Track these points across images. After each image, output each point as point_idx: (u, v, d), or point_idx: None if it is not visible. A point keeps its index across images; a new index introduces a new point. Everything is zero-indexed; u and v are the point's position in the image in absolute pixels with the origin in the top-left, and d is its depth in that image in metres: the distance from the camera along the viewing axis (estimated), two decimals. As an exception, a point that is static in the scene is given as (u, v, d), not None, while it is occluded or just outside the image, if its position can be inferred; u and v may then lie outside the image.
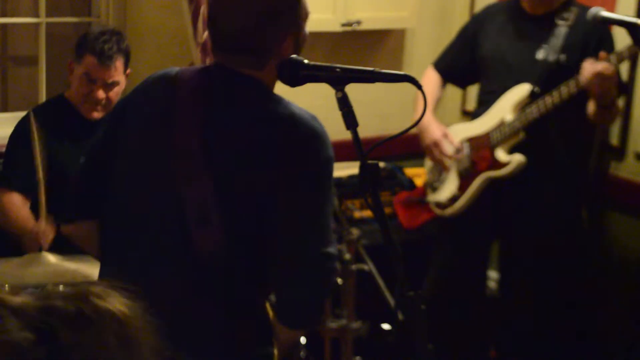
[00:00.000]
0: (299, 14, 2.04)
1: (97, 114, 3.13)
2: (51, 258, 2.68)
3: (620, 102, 3.43)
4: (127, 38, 3.21)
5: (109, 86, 3.10)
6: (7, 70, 4.39)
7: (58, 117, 3.15)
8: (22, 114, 3.26)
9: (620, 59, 3.04)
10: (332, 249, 2.02)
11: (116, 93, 3.14)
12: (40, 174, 2.81)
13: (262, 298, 2.15)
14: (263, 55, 2.00)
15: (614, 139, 3.74)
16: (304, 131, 1.98)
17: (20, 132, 3.14)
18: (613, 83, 3.07)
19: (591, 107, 3.21)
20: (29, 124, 3.09)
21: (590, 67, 3.03)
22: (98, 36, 3.09)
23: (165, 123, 2.03)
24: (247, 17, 1.98)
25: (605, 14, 2.91)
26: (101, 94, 3.08)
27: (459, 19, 4.50)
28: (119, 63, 3.10)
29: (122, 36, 3.16)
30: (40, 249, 2.76)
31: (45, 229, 2.85)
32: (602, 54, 3.04)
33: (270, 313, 2.16)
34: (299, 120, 1.98)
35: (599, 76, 3.00)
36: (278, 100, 2.02)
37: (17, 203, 3.05)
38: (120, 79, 3.13)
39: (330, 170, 2.02)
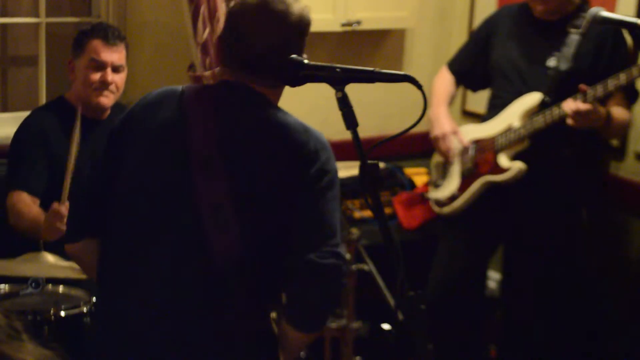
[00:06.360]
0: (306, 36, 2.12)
1: (105, 100, 3.11)
2: (49, 257, 2.68)
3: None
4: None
5: (116, 69, 3.10)
6: (7, 70, 4.38)
7: (60, 119, 3.14)
8: (22, 114, 3.26)
9: (597, 96, 3.06)
10: (342, 250, 2.06)
11: (122, 79, 3.13)
12: (71, 163, 2.81)
13: (271, 303, 2.18)
14: (279, 74, 2.04)
15: (614, 139, 3.73)
16: (317, 142, 2.06)
17: (25, 132, 3.14)
18: (592, 117, 3.09)
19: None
20: (34, 124, 3.10)
21: (568, 106, 3.10)
22: (97, 25, 3.16)
23: (177, 133, 2.06)
24: (279, 37, 2.04)
25: (605, 14, 2.91)
26: (110, 76, 3.07)
27: (459, 19, 4.50)
28: (122, 48, 3.12)
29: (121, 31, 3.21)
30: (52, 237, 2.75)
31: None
32: (582, 86, 3.06)
33: (275, 328, 2.18)
34: (312, 133, 2.07)
35: (577, 114, 3.07)
36: (287, 114, 2.10)
37: (27, 202, 3.03)
38: (125, 66, 3.13)
39: (337, 180, 2.08)
